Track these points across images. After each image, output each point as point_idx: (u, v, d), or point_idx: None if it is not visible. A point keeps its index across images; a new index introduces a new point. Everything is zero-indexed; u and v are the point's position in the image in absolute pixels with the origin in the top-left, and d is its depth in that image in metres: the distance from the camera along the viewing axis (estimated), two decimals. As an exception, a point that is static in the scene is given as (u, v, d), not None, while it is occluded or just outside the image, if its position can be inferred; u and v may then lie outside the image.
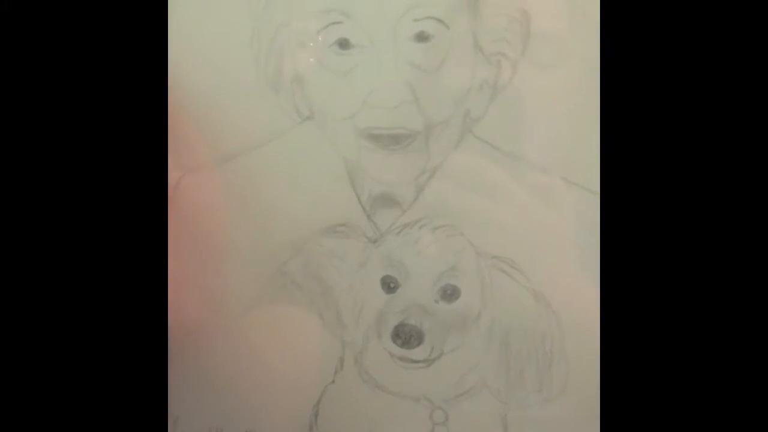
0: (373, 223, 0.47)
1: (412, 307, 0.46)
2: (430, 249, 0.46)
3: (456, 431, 0.47)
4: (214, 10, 0.46)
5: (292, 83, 0.46)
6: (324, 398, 0.48)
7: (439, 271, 0.46)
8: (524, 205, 0.46)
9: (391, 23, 0.44)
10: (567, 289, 0.46)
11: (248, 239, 0.47)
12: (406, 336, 0.46)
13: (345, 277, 0.47)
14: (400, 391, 0.47)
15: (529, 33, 0.44)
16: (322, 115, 0.46)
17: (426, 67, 0.45)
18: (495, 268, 0.46)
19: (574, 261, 0.46)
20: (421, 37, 0.44)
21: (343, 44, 0.45)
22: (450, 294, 0.46)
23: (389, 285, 0.46)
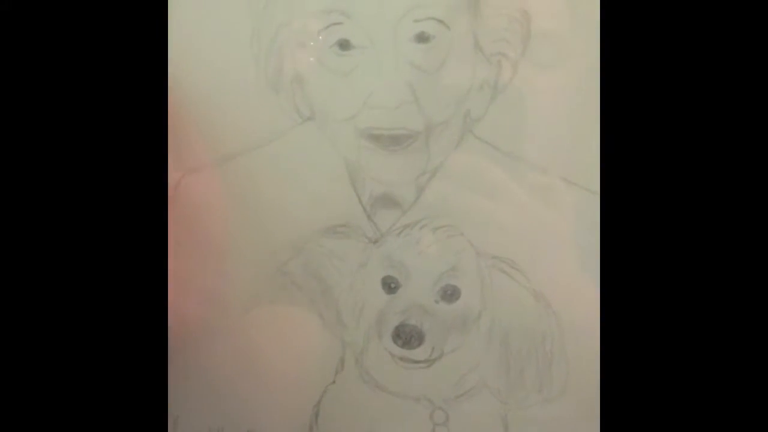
0: (374, 223, 0.47)
1: (412, 307, 0.46)
2: (430, 249, 0.46)
3: (456, 431, 0.47)
4: (215, 11, 0.46)
5: (292, 83, 0.46)
6: (324, 398, 0.48)
7: (439, 271, 0.46)
8: (524, 205, 0.46)
9: (391, 24, 0.44)
10: (567, 290, 0.46)
11: (249, 239, 0.47)
12: (406, 336, 0.46)
13: (345, 277, 0.47)
14: (401, 392, 0.47)
15: (529, 33, 0.44)
16: (322, 116, 0.46)
17: (426, 68, 0.45)
18: (495, 268, 0.46)
19: (575, 261, 0.46)
20: (422, 38, 0.44)
21: (344, 45, 0.45)
22: (450, 294, 0.46)
23: (390, 285, 0.46)
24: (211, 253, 0.48)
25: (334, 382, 0.48)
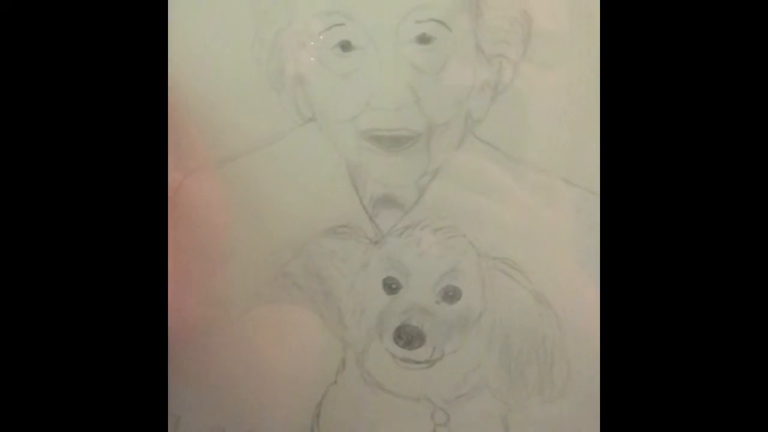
0: (375, 224, 0.47)
1: (413, 308, 0.46)
2: (431, 250, 0.46)
3: (457, 432, 0.48)
4: (216, 12, 0.46)
5: (293, 85, 0.46)
6: (326, 399, 0.48)
7: (440, 272, 0.46)
8: (526, 206, 0.46)
9: (392, 25, 0.44)
10: (568, 290, 0.46)
11: (250, 240, 0.47)
12: (407, 337, 0.46)
13: (347, 278, 0.47)
14: (402, 392, 0.48)
15: (530, 34, 0.44)
16: (323, 117, 0.46)
17: (427, 69, 0.45)
18: (496, 269, 0.46)
19: (576, 262, 0.46)
20: (423, 39, 0.44)
21: (345, 46, 0.45)
22: (451, 295, 0.46)
23: (391, 286, 0.46)
24: (213, 254, 0.48)
25: (335, 382, 0.48)
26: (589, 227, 0.43)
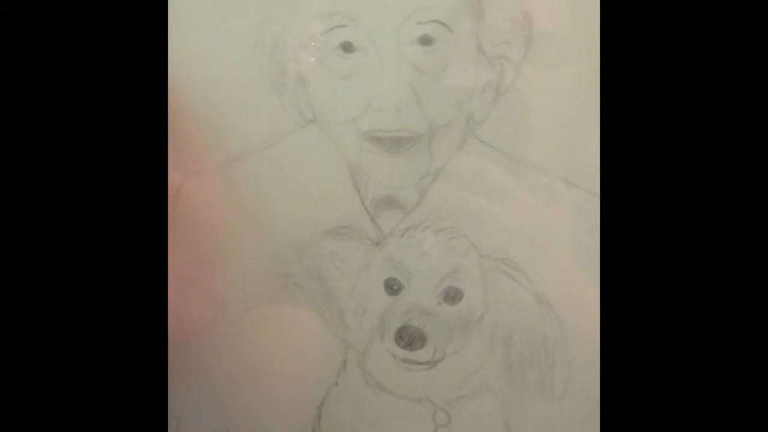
0: (377, 225, 0.47)
1: (415, 309, 0.46)
2: (433, 251, 0.46)
3: (458, 432, 0.48)
4: (216, 14, 0.46)
5: (295, 86, 0.46)
6: (327, 400, 0.48)
7: (442, 273, 0.46)
8: (527, 207, 0.46)
9: (394, 26, 0.44)
10: (569, 291, 0.46)
11: (252, 241, 0.47)
12: (409, 338, 0.46)
13: (348, 279, 0.47)
14: (403, 393, 0.47)
15: (531, 36, 0.44)
16: (325, 118, 0.46)
17: (429, 70, 0.45)
18: (497, 270, 0.46)
19: (578, 263, 0.46)
20: (425, 41, 0.44)
21: (347, 47, 0.45)
22: (453, 296, 0.46)
23: (392, 287, 0.47)
24: (215, 255, 0.48)
25: (336, 383, 0.48)
26: (590, 228, 0.43)
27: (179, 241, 0.46)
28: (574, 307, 0.45)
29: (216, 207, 0.48)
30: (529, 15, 0.44)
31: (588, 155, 0.43)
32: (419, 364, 0.46)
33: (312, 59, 0.46)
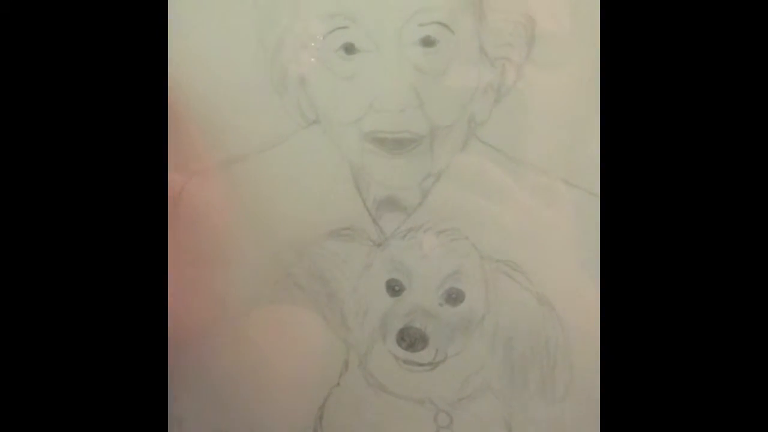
0: (379, 226, 0.47)
1: (416, 310, 0.46)
2: (434, 252, 0.46)
3: (460, 434, 0.47)
4: (218, 15, 0.46)
5: (297, 87, 0.46)
6: (328, 401, 0.48)
7: (443, 274, 0.46)
8: (529, 208, 0.46)
9: (396, 28, 0.44)
10: (571, 293, 0.46)
11: (253, 242, 0.48)
12: (410, 339, 0.46)
13: (350, 280, 0.47)
14: (405, 394, 0.48)
15: (533, 37, 0.44)
16: (327, 119, 0.46)
17: (431, 72, 0.45)
18: (499, 271, 0.46)
19: (579, 265, 0.45)
20: (427, 42, 0.44)
21: (349, 49, 0.45)
22: (454, 297, 0.46)
23: (394, 288, 0.47)
24: (217, 256, 0.48)
25: (338, 384, 0.48)
26: (592, 229, 0.43)
27: (181, 241, 0.46)
28: (575, 308, 0.45)
29: (218, 208, 0.48)
30: (531, 16, 0.44)
31: (588, 156, 0.43)
32: (421, 365, 0.46)
33: (314, 60, 0.46)
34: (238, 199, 0.48)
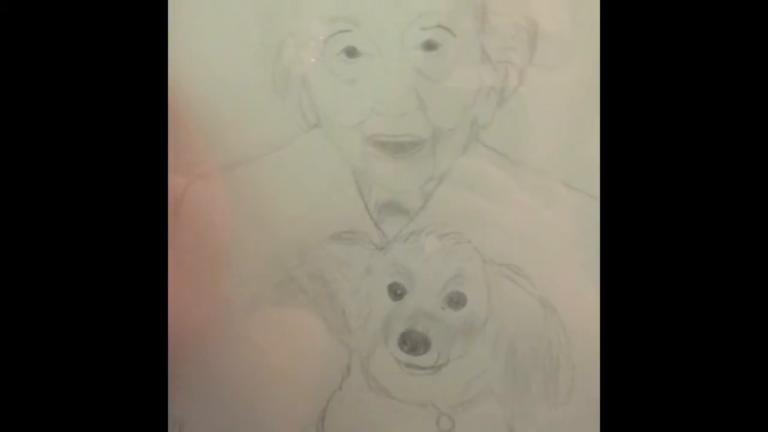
0: (380, 230, 0.47)
1: (418, 314, 0.46)
2: (436, 256, 0.46)
3: (462, 437, 0.47)
4: (219, 17, 0.46)
5: (299, 90, 0.46)
6: (331, 404, 0.48)
7: (445, 278, 0.46)
8: (531, 212, 0.46)
9: (398, 31, 0.44)
10: (573, 296, 0.46)
11: (255, 245, 0.47)
12: (413, 343, 0.46)
13: (352, 283, 0.47)
14: (407, 398, 0.47)
15: (535, 40, 0.45)
16: (329, 123, 0.46)
17: (433, 75, 0.45)
18: (501, 275, 0.46)
19: (582, 268, 0.45)
20: (429, 46, 0.44)
21: (351, 52, 0.45)
22: (456, 301, 0.46)
23: (396, 292, 0.46)
24: (219, 259, 0.48)
25: (340, 387, 0.48)
26: (593, 232, 0.43)
27: (184, 244, 0.46)
28: (577, 311, 0.45)
29: (220, 210, 0.48)
30: (533, 20, 0.44)
31: (588, 158, 0.43)
32: (423, 368, 0.46)
33: (315, 63, 0.46)
34: (241, 202, 0.48)
